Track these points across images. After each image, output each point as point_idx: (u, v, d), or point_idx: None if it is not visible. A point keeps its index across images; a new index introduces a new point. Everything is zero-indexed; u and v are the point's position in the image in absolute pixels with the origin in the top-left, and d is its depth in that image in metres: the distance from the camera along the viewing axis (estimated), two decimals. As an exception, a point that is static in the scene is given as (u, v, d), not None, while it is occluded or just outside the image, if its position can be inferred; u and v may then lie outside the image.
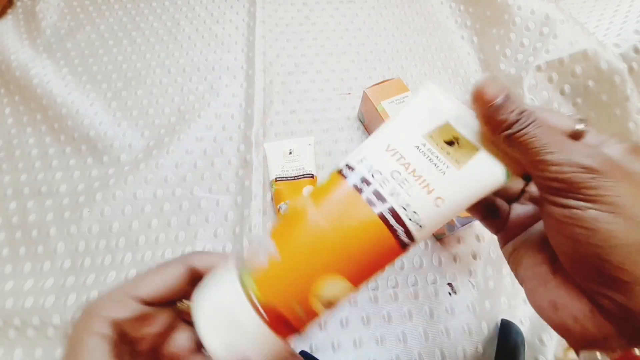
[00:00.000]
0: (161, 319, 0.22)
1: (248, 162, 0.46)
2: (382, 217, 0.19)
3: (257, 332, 0.19)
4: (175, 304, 0.23)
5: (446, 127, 0.20)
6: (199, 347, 0.24)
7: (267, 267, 0.19)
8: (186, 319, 0.23)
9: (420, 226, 0.19)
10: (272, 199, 0.44)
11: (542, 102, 0.46)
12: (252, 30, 0.58)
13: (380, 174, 0.20)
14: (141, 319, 0.21)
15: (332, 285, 0.19)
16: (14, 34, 0.59)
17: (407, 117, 0.21)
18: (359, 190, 0.20)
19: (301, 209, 0.20)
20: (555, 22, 0.47)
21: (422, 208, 0.19)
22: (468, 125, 0.20)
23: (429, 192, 0.20)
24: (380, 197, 0.19)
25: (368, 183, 0.20)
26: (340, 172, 0.21)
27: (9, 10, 0.63)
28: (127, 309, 0.21)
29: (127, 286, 0.22)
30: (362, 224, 0.19)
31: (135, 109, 0.51)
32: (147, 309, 0.22)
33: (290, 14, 0.61)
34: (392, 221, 0.19)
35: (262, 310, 0.19)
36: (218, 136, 0.49)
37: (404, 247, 0.20)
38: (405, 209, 0.19)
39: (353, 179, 0.20)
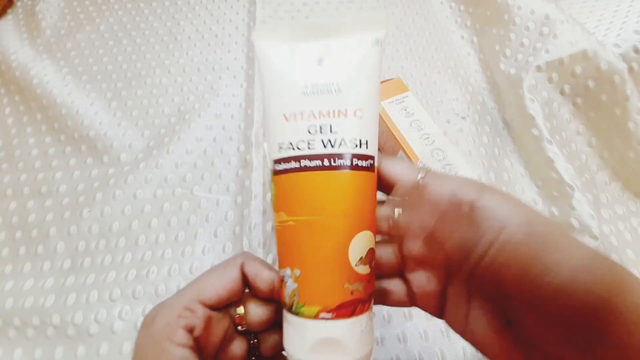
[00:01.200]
0: (222, 325, 0.23)
1: (248, 162, 0.47)
2: (340, 167, 0.19)
3: (341, 333, 0.19)
4: (228, 308, 0.23)
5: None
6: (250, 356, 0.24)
7: (298, 286, 0.20)
8: (240, 327, 0.24)
9: (366, 143, 0.20)
10: (272, 198, 0.44)
11: (542, 102, 0.46)
12: (252, 31, 0.58)
13: (303, 141, 0.20)
14: (207, 325, 0.22)
15: (356, 249, 0.20)
16: (14, 34, 0.59)
17: (276, 81, 0.21)
18: (306, 168, 0.20)
19: (282, 226, 0.21)
20: (555, 22, 0.47)
21: (353, 130, 0.20)
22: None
23: (346, 114, 0.20)
24: (321, 157, 0.19)
25: (304, 157, 0.20)
26: (276, 172, 0.21)
27: (9, 10, 0.63)
28: (200, 318, 0.21)
29: (193, 291, 0.22)
30: (335, 188, 0.19)
31: (135, 109, 0.51)
32: (211, 313, 0.22)
33: (290, 14, 0.62)
34: (349, 162, 0.19)
35: (330, 316, 0.19)
36: (218, 136, 0.49)
37: (371, 168, 0.20)
38: (346, 144, 0.19)
39: (291, 165, 0.20)
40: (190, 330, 0.21)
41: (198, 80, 0.53)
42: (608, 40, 0.47)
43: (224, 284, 0.22)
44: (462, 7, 0.61)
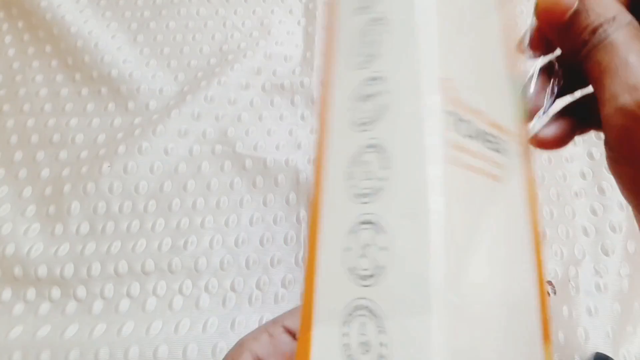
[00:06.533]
0: None
1: (305, 119, 0.46)
2: None
3: None
4: None
5: None
6: None
7: None
8: None
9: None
10: None
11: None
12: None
13: None
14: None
15: None
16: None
17: None
18: None
19: None
20: None
21: None
22: None
23: None
24: None
25: None
26: None
27: None
28: (272, 345, 0.24)
29: (282, 317, 0.25)
30: None
31: (166, 46, 0.52)
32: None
33: None
34: None
35: None
36: (267, 84, 0.49)
37: None
38: None
39: None
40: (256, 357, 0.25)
41: (245, 14, 0.53)
42: None
43: None
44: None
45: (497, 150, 0.18)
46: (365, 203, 0.17)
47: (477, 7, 0.20)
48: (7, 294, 0.40)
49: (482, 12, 0.21)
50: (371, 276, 0.16)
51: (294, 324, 0.24)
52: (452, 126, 0.16)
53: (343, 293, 0.17)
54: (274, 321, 0.25)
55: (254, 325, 0.38)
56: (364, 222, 0.17)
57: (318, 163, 0.19)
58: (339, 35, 0.21)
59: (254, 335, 0.25)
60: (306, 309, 0.18)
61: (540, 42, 0.22)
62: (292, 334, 0.24)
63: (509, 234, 0.19)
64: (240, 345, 0.24)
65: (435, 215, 0.15)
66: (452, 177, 0.16)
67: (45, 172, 0.45)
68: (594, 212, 0.43)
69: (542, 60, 0.23)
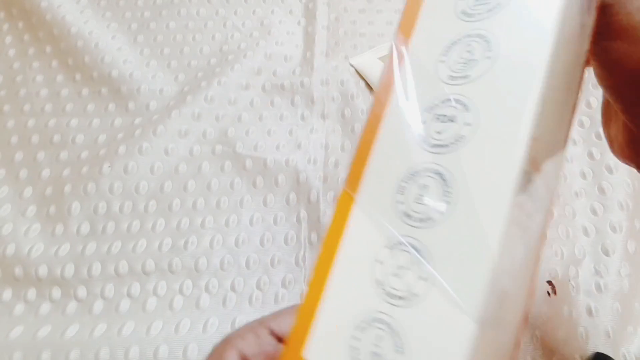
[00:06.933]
0: None
1: (305, 119, 0.47)
2: None
3: None
4: None
5: None
6: None
7: None
8: None
9: None
10: None
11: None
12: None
13: None
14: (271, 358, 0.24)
15: None
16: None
17: None
18: None
19: None
20: None
21: None
22: None
23: None
24: None
25: None
26: None
27: None
28: (258, 345, 0.24)
29: (267, 318, 0.25)
30: None
31: (166, 46, 0.52)
32: (280, 347, 0.24)
33: None
34: None
35: None
36: (267, 84, 0.50)
37: None
38: None
39: None
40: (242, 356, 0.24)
41: (245, 14, 0.54)
42: None
43: None
44: None
45: (533, 199, 0.18)
46: (411, 226, 0.17)
47: (571, 61, 0.19)
48: (7, 294, 0.40)
49: (573, 67, 0.20)
50: (402, 298, 0.16)
51: (279, 327, 0.25)
52: (524, 186, 0.16)
53: (364, 301, 0.17)
54: (260, 322, 0.25)
55: (254, 325, 0.38)
56: (403, 244, 0.17)
57: (361, 154, 0.19)
58: (425, 30, 0.20)
59: (240, 334, 0.25)
60: (311, 303, 0.18)
61: None
62: (277, 337, 0.25)
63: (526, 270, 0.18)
64: (226, 342, 0.24)
65: (485, 275, 0.15)
66: (509, 237, 0.16)
67: (45, 173, 0.45)
68: (594, 212, 0.43)
69: None
